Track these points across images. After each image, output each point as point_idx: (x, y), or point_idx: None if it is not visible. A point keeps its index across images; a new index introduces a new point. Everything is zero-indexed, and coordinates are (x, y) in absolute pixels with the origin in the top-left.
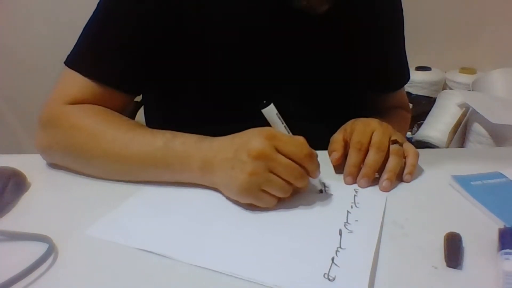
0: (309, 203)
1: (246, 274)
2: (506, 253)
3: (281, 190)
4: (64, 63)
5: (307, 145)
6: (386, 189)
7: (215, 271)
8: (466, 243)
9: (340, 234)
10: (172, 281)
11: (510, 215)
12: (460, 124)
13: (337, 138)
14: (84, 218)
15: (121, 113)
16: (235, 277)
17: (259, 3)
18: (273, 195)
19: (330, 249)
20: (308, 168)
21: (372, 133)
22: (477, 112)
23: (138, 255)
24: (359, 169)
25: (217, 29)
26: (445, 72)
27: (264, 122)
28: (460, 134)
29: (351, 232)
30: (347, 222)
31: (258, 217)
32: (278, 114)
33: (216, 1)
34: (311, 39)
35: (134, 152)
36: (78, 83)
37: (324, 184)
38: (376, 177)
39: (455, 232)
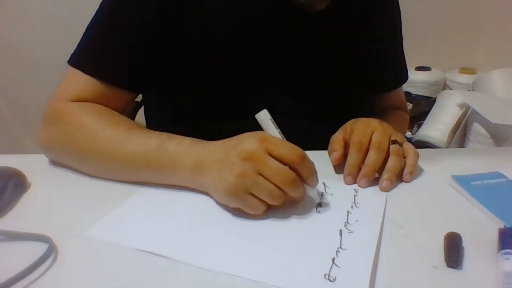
0: (309, 205)
1: (246, 275)
2: (506, 253)
3: (270, 195)
4: (68, 62)
5: (300, 149)
6: (386, 189)
7: (215, 271)
8: (466, 243)
9: (341, 234)
10: (172, 281)
11: (510, 215)
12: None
13: (337, 138)
14: (84, 218)
15: (122, 112)
16: (235, 277)
17: (260, 3)
18: (262, 200)
19: (331, 250)
20: (302, 173)
21: (372, 133)
22: (477, 112)
23: (138, 255)
24: (359, 169)
25: (217, 27)
26: (445, 72)
27: None
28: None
29: (352, 232)
30: (347, 222)
31: (258, 217)
32: (272, 119)
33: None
34: (310, 38)
35: (128, 152)
36: (81, 82)
37: (322, 197)
38: (376, 177)
39: (455, 232)
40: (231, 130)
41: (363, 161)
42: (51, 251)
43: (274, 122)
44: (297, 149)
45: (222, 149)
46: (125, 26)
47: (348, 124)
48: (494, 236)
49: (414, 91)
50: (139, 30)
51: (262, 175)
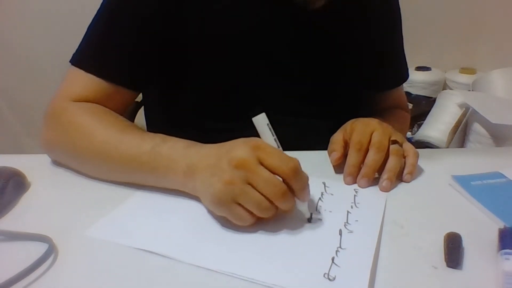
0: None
1: (246, 274)
2: (506, 253)
3: (258, 206)
4: (70, 61)
5: (294, 161)
6: (386, 189)
7: (215, 271)
8: (466, 243)
9: (340, 234)
10: (172, 281)
11: (510, 215)
12: (460, 124)
13: (337, 138)
14: (84, 218)
15: (123, 112)
16: (235, 277)
17: (260, 3)
18: (250, 212)
19: (330, 249)
20: (294, 187)
21: (372, 133)
22: (477, 112)
23: (138, 255)
24: (359, 169)
25: (217, 25)
26: (445, 72)
27: None
28: (460, 134)
29: (351, 232)
30: (347, 222)
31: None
32: (269, 125)
33: None
34: (310, 36)
35: (122, 154)
36: (82, 81)
37: (312, 213)
38: (376, 177)
39: (455, 232)
40: (231, 130)
41: (363, 161)
42: (51, 251)
43: (271, 128)
44: (290, 160)
45: (214, 154)
46: (126, 25)
47: (348, 124)
48: (494, 236)
49: (414, 91)
50: (140, 29)
51: (251, 185)
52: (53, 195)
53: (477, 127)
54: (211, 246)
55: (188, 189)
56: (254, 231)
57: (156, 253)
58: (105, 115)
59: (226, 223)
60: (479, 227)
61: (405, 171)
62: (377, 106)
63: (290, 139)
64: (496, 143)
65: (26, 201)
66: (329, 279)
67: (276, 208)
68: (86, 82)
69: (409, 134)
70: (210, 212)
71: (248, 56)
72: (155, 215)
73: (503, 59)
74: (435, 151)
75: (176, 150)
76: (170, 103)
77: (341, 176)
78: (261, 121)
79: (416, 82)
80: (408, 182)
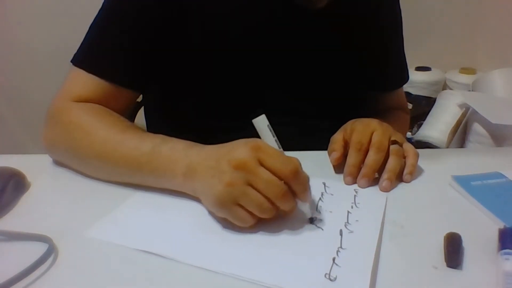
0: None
1: (246, 275)
2: (506, 253)
3: (259, 207)
4: (71, 61)
5: (295, 162)
6: (386, 189)
7: (215, 271)
8: (466, 243)
9: (341, 234)
10: (172, 281)
11: (510, 215)
12: (460, 124)
13: (337, 138)
14: (84, 218)
15: (124, 112)
16: (236, 277)
17: (261, 3)
18: (251, 213)
19: (331, 249)
20: (294, 188)
21: (372, 133)
22: (477, 112)
23: (138, 255)
24: (359, 169)
25: (218, 25)
26: (445, 72)
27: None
28: (460, 134)
29: (352, 232)
30: (347, 222)
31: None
32: (270, 126)
33: None
34: (311, 36)
35: (122, 155)
36: (84, 81)
37: (314, 212)
38: (376, 177)
39: (455, 232)
40: (231, 129)
41: (363, 161)
42: (51, 251)
43: (271, 129)
44: (291, 162)
45: (215, 155)
46: (127, 25)
47: (348, 124)
48: (494, 236)
49: (414, 91)
50: (141, 29)
51: (252, 186)
52: (53, 195)
53: (477, 127)
54: (211, 247)
55: (188, 190)
56: (255, 232)
57: (155, 254)
58: (106, 115)
59: (227, 224)
60: (479, 227)
61: (405, 171)
62: (377, 107)
63: (290, 139)
64: (496, 143)
65: (26, 201)
66: (330, 279)
67: (276, 209)
68: (87, 82)
69: (409, 134)
70: (210, 212)
71: (249, 56)
72: (155, 215)
73: (503, 59)
74: (435, 151)
75: (176, 151)
76: (170, 103)
77: (341, 176)
78: (261, 122)
79: (416, 82)
80: (408, 182)
